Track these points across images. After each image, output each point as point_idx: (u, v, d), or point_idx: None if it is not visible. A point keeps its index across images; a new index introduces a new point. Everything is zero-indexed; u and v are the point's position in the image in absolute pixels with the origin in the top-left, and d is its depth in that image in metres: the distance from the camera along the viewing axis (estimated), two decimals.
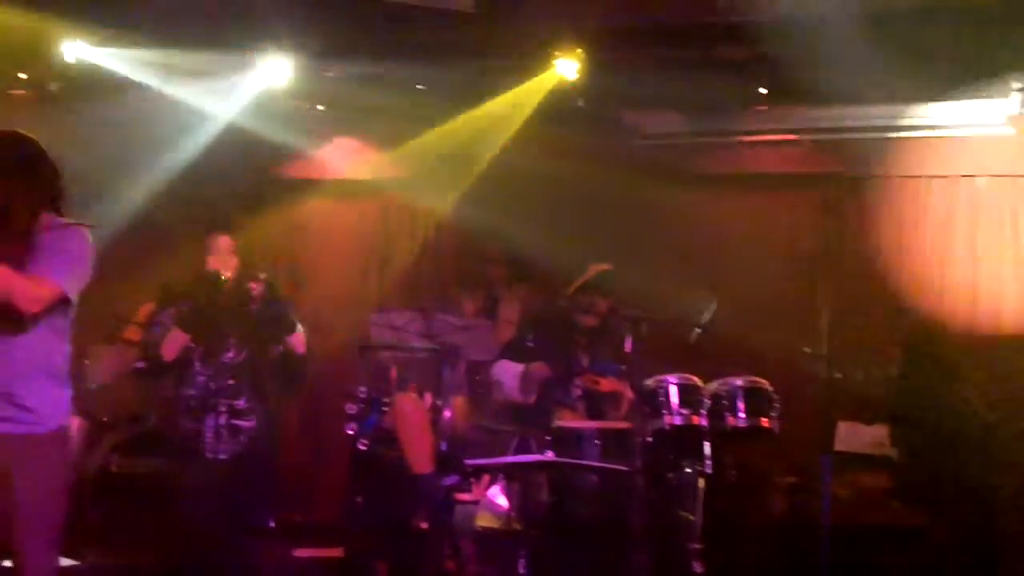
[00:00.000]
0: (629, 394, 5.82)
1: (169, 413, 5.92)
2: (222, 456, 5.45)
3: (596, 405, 5.87)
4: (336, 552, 6.61)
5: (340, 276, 8.03)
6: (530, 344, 5.96)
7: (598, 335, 6.10)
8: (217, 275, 5.35)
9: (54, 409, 4.19)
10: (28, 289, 3.90)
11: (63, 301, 3.99)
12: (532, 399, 5.91)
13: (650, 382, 5.46)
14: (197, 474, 5.48)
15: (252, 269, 5.57)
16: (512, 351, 6.12)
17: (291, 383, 5.78)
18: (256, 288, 5.48)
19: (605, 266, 6.12)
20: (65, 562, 4.60)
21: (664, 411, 5.38)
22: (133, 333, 7.15)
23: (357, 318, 7.17)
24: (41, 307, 3.94)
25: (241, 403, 5.48)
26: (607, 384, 5.87)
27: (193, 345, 5.41)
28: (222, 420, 5.43)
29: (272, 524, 6.74)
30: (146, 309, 7.09)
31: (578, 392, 5.96)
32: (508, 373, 5.97)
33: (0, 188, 3.91)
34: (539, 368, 5.89)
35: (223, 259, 5.50)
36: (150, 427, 6.71)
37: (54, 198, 4.07)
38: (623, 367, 5.87)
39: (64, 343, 4.21)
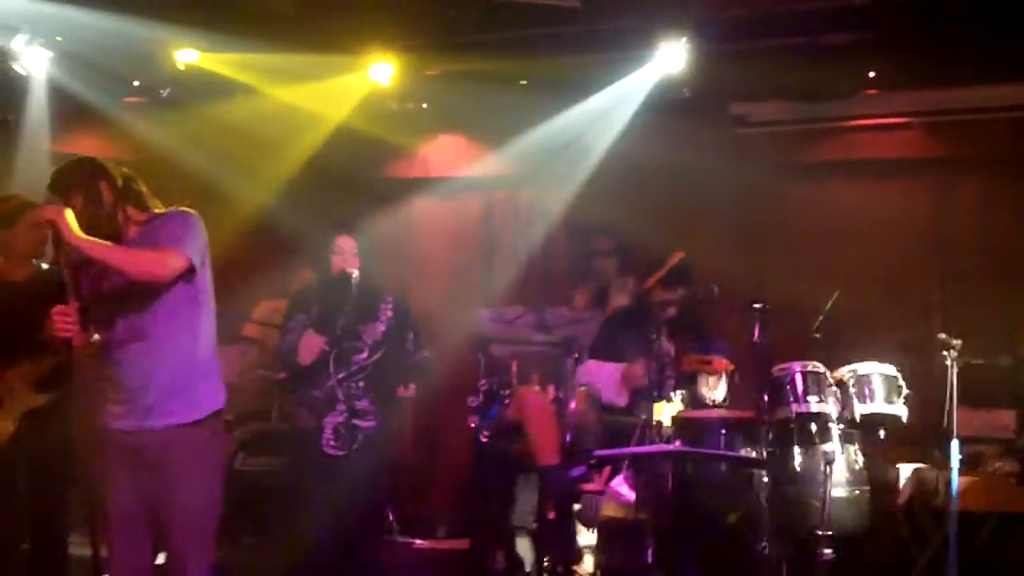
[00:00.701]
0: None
1: (291, 412, 6.03)
2: (340, 454, 5.51)
3: (693, 393, 5.86)
4: (456, 544, 6.70)
5: (448, 273, 8.09)
6: (614, 341, 5.98)
7: (681, 323, 6.12)
8: (348, 276, 5.40)
9: (204, 400, 4.34)
10: (150, 258, 4.12)
11: (189, 270, 4.17)
12: (625, 401, 5.95)
13: (775, 370, 5.42)
14: (317, 472, 5.55)
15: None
16: (597, 349, 6.15)
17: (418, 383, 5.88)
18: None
19: (680, 254, 6.13)
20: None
21: (790, 399, 5.34)
22: (251, 331, 7.30)
23: (465, 314, 7.22)
24: (168, 270, 4.14)
25: (363, 404, 5.52)
26: (719, 364, 5.83)
27: (328, 348, 5.44)
28: (341, 419, 5.49)
29: (392, 518, 6.87)
30: (263, 307, 7.24)
31: (672, 383, 5.95)
32: (598, 374, 6.00)
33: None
34: (636, 370, 5.92)
35: (347, 260, 5.55)
36: (272, 425, 6.85)
37: (136, 198, 4.27)
38: (723, 345, 5.88)
39: (206, 336, 4.35)
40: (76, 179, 4.17)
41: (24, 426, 5.72)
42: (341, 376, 5.48)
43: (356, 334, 5.50)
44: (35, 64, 6.61)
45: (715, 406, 5.68)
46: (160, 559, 4.39)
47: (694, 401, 5.82)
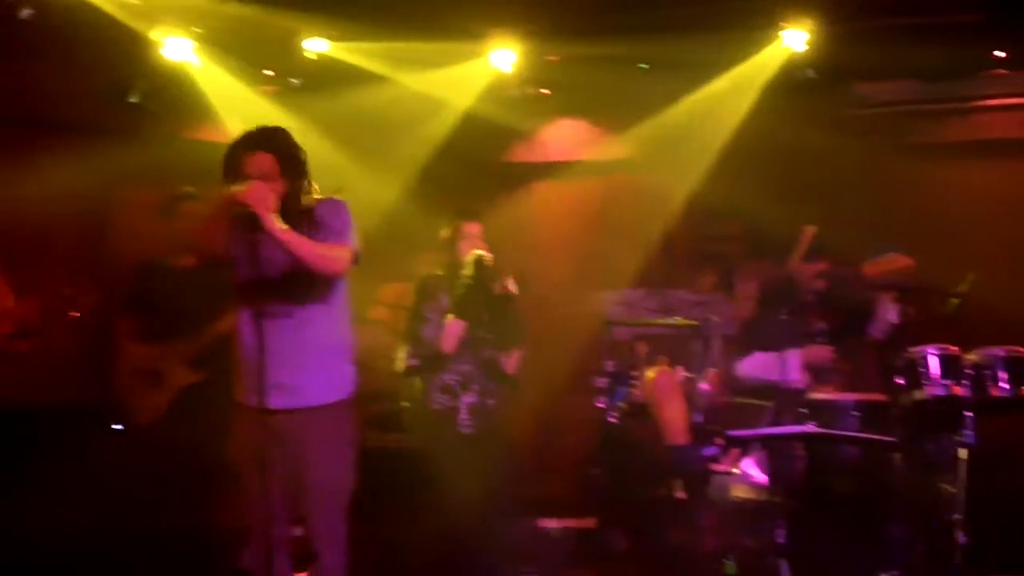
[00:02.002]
0: None
1: (419, 393, 6.16)
2: (474, 432, 5.62)
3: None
4: (581, 524, 6.78)
5: (570, 256, 8.16)
6: (769, 327, 5.99)
7: (829, 298, 6.11)
8: (484, 260, 5.49)
9: (340, 382, 4.49)
10: (325, 252, 4.25)
11: (356, 260, 4.35)
12: (806, 382, 5.96)
13: (910, 352, 5.40)
14: (452, 451, 5.67)
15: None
16: (754, 339, 6.15)
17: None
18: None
19: (812, 228, 6.11)
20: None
21: (924, 382, 5.31)
22: (380, 313, 7.46)
23: (588, 297, 7.28)
24: (340, 266, 4.31)
25: (493, 384, 5.63)
26: None
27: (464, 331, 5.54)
28: (475, 400, 5.60)
29: (515, 496, 6.97)
30: (391, 290, 7.39)
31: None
32: (766, 365, 6.02)
33: (281, 177, 4.26)
34: (820, 352, 5.92)
35: (474, 245, 5.65)
36: (399, 405, 6.98)
37: (308, 179, 4.41)
38: None
39: (346, 321, 4.49)
40: (286, 153, 4.30)
41: (180, 402, 6.01)
42: (472, 357, 5.59)
43: (484, 316, 5.60)
44: (174, 52, 6.80)
45: None
46: (297, 532, 4.58)
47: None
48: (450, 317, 5.51)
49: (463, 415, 5.60)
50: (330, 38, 7.15)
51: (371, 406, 6.99)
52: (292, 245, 4.17)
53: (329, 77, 7.40)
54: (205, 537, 6.12)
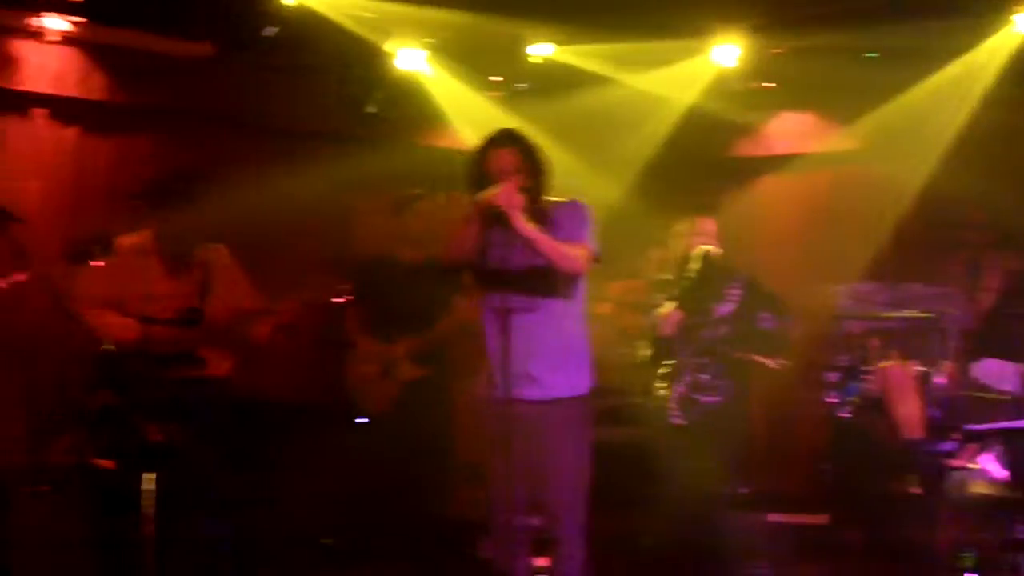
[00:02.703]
0: None
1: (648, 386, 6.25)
2: (684, 423, 5.67)
3: None
4: (813, 519, 6.73)
5: (798, 250, 8.08)
6: (1007, 324, 5.82)
7: None
8: (712, 255, 5.56)
9: (579, 378, 4.64)
10: (568, 252, 4.43)
11: (596, 260, 4.53)
12: None
13: None
14: (665, 441, 5.74)
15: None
16: (991, 344, 5.97)
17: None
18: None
19: None
20: None
21: None
22: (605, 308, 7.58)
23: (818, 291, 7.21)
24: (580, 265, 4.48)
25: (705, 378, 5.67)
26: None
27: (683, 322, 5.62)
28: (683, 391, 5.66)
29: (744, 491, 6.97)
30: (618, 287, 7.50)
31: None
32: (1001, 375, 5.85)
33: (523, 173, 4.46)
34: None
35: (707, 241, 5.71)
36: (628, 399, 7.09)
37: (548, 177, 4.61)
38: None
39: (583, 320, 4.64)
40: (529, 152, 4.53)
41: (406, 395, 6.30)
42: (689, 350, 5.65)
43: (706, 311, 5.65)
44: (408, 63, 7.09)
45: None
46: (535, 523, 4.73)
47: None
48: (670, 305, 5.60)
49: (672, 406, 5.67)
50: (555, 42, 7.31)
51: (600, 400, 7.13)
52: (538, 243, 4.38)
53: (554, 80, 7.56)
54: (441, 526, 6.39)
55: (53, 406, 6.17)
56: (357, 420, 6.38)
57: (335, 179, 7.17)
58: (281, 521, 6.30)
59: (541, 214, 4.49)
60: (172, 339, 5.38)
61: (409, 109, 7.31)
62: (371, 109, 7.15)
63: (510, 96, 7.81)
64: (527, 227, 4.35)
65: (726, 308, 5.69)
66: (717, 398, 5.69)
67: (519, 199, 4.34)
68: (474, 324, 6.19)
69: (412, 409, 6.33)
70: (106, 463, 5.50)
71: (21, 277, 4.63)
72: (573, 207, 4.59)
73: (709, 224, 5.78)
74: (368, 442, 6.35)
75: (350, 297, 5.59)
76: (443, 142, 7.58)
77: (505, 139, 4.57)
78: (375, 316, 6.44)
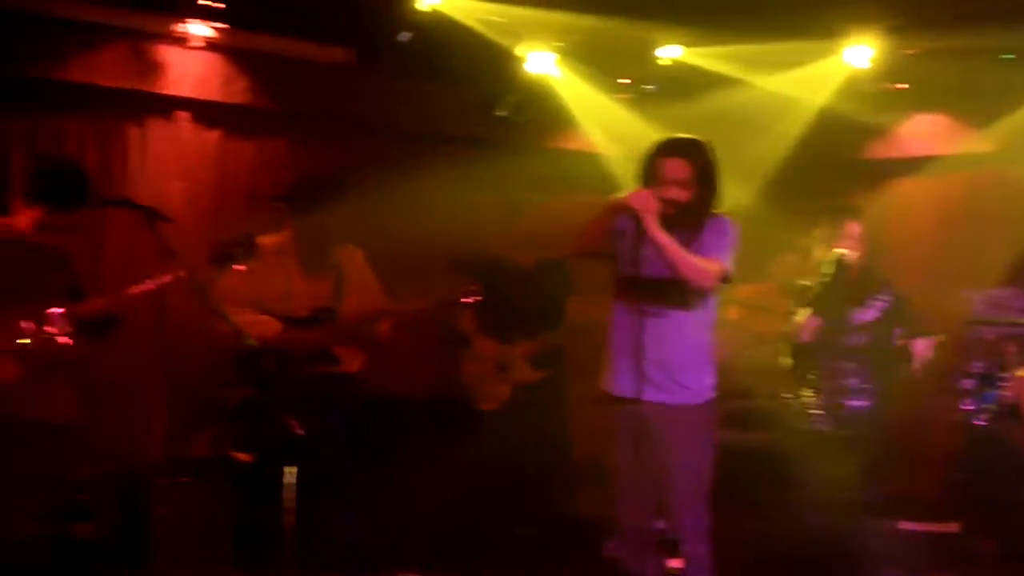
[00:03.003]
0: None
1: (779, 390, 6.22)
2: (828, 430, 5.62)
3: None
4: (944, 527, 6.61)
5: (931, 254, 7.95)
6: None
7: None
8: (846, 259, 5.50)
9: (705, 385, 4.64)
10: (696, 263, 4.41)
11: (724, 279, 4.49)
12: None
13: None
14: (807, 447, 5.70)
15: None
16: None
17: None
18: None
19: None
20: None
21: None
22: (733, 313, 7.56)
23: (952, 296, 7.08)
24: (707, 281, 4.45)
25: (853, 382, 5.61)
26: None
27: (822, 328, 5.56)
28: (836, 396, 5.61)
29: (877, 498, 6.88)
30: (744, 290, 7.46)
31: None
32: None
33: (693, 185, 4.48)
34: None
35: (852, 245, 5.64)
36: (757, 402, 7.06)
37: (717, 193, 4.60)
38: None
39: (712, 325, 4.66)
40: (701, 164, 4.53)
41: (519, 396, 6.39)
42: (832, 355, 5.60)
43: (844, 316, 5.59)
44: (537, 66, 7.17)
45: None
46: (661, 525, 4.76)
47: None
48: (807, 311, 5.54)
49: (818, 411, 5.62)
50: (684, 44, 7.31)
51: (728, 404, 7.12)
52: (667, 250, 4.38)
53: (683, 82, 7.57)
54: (561, 525, 6.45)
55: (194, 401, 6.40)
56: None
57: (465, 182, 7.29)
58: (407, 516, 6.43)
59: (694, 226, 4.51)
60: (307, 337, 5.55)
61: (538, 112, 7.37)
62: (501, 113, 7.25)
63: (639, 98, 7.82)
64: (660, 234, 4.36)
65: (868, 315, 5.62)
66: (865, 403, 5.63)
67: (655, 204, 4.34)
68: (589, 327, 6.35)
69: (529, 409, 6.42)
70: (244, 456, 5.69)
71: (170, 277, 4.80)
72: (719, 222, 4.57)
73: (854, 228, 5.71)
74: (486, 440, 6.46)
75: (479, 297, 5.68)
76: (571, 145, 7.64)
77: (679, 148, 4.55)
78: (491, 317, 6.54)
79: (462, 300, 5.73)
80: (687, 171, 4.46)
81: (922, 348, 5.66)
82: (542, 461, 6.38)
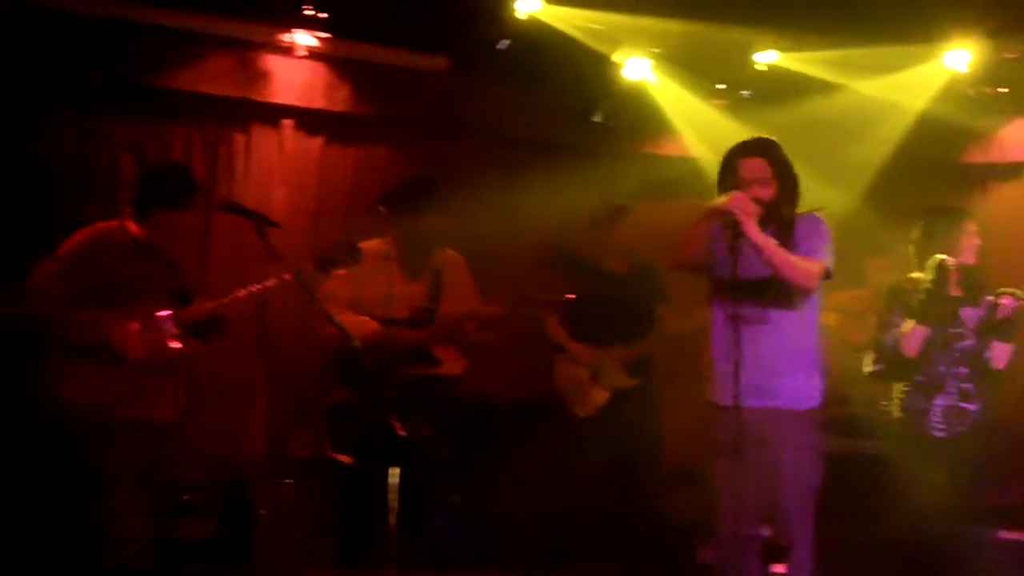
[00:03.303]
0: None
1: (877, 397, 6.13)
2: (946, 435, 5.54)
3: None
4: None
5: None
6: None
7: None
8: (946, 264, 5.41)
9: (811, 391, 4.64)
10: (800, 265, 4.42)
11: (825, 276, 4.51)
12: None
13: None
14: (922, 454, 5.61)
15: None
16: None
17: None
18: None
19: None
20: None
21: None
22: (830, 319, 7.47)
23: None
24: (810, 281, 4.47)
25: (969, 387, 5.53)
26: None
27: (931, 336, 5.46)
28: (950, 401, 5.52)
29: (979, 506, 6.77)
30: (842, 296, 7.39)
31: None
32: None
33: (772, 182, 4.51)
34: None
35: (970, 246, 5.55)
36: (853, 409, 6.99)
37: (796, 191, 4.65)
38: None
39: (816, 330, 4.64)
40: (780, 162, 4.59)
41: (614, 403, 6.41)
42: (946, 360, 5.50)
43: (958, 319, 5.50)
44: (634, 72, 7.18)
45: None
46: (765, 532, 4.74)
47: None
48: (911, 323, 5.46)
49: (936, 417, 5.54)
50: (780, 49, 7.28)
51: (829, 410, 7.05)
52: (769, 253, 4.38)
53: (779, 86, 7.53)
54: (657, 530, 6.44)
55: (294, 402, 6.52)
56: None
57: (560, 188, 7.32)
58: (505, 518, 6.49)
59: (784, 226, 4.52)
60: (407, 338, 5.63)
61: (634, 118, 7.38)
62: (598, 119, 7.27)
63: (735, 104, 7.80)
64: (760, 236, 4.37)
65: (980, 315, 5.53)
66: (976, 406, 5.54)
67: (753, 207, 4.36)
68: (679, 336, 6.35)
69: (623, 415, 6.44)
70: (344, 457, 5.78)
71: (274, 280, 4.90)
72: (813, 221, 4.59)
73: (972, 227, 5.61)
74: (580, 445, 6.48)
75: (571, 296, 5.72)
76: (667, 151, 7.64)
77: (756, 147, 4.61)
78: (585, 322, 6.57)
79: (557, 302, 5.77)
80: (766, 169, 4.52)
81: (1000, 353, 5.56)
82: (636, 467, 6.38)
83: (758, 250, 4.38)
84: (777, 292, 4.52)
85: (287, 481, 6.03)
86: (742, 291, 4.47)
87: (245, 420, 6.61)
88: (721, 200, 4.43)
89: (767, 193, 4.49)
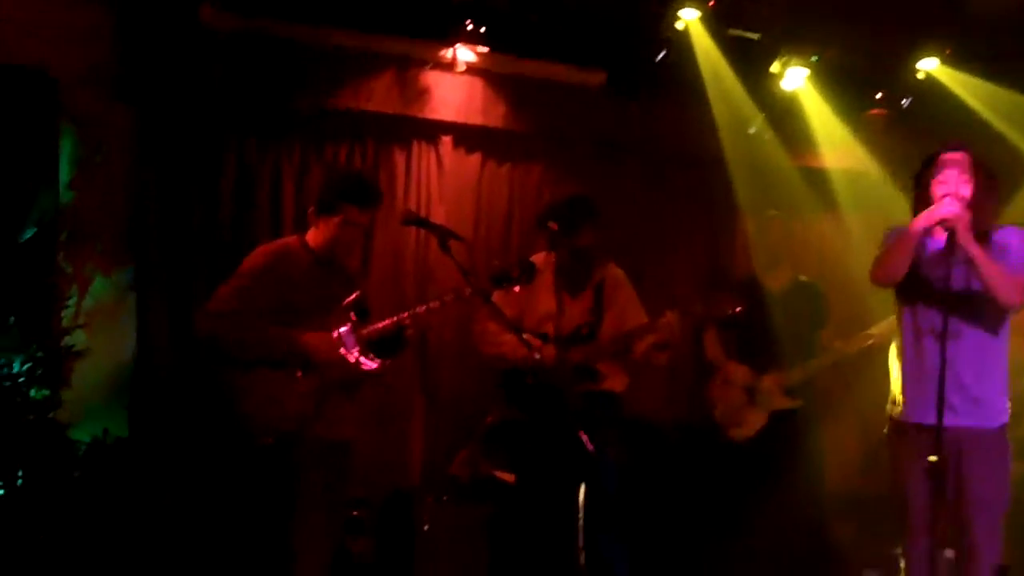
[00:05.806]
0: None
1: None
2: None
3: None
4: None
5: None
6: None
7: None
8: None
9: (1000, 409, 4.48)
10: (1011, 279, 4.26)
11: None
12: None
13: None
14: None
15: None
16: None
17: None
18: None
19: None
20: None
21: None
22: None
23: None
24: (1018, 296, 4.27)
25: None
26: None
27: None
28: None
29: None
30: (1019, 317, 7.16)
31: None
32: None
33: (972, 180, 4.35)
34: None
35: None
36: None
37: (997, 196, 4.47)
38: None
39: (1006, 349, 4.48)
40: (981, 169, 4.41)
41: (773, 425, 6.27)
42: None
43: None
44: (791, 83, 7.06)
45: None
46: (948, 553, 4.58)
47: None
48: None
49: None
50: (940, 59, 7.09)
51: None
52: (982, 265, 4.23)
53: (935, 98, 7.33)
54: (814, 559, 6.29)
55: (455, 420, 6.51)
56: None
57: (717, 202, 7.26)
58: (667, 542, 6.39)
59: (984, 237, 4.35)
60: (570, 355, 5.57)
61: (789, 129, 7.25)
62: (752, 130, 7.16)
63: (893, 114, 7.61)
64: (976, 247, 4.22)
65: None
66: None
67: (967, 215, 4.22)
68: (841, 359, 6.18)
69: (778, 439, 6.31)
70: (507, 475, 5.75)
71: (452, 296, 4.88)
72: (1015, 233, 4.42)
73: None
74: (738, 468, 6.37)
75: (740, 308, 5.59)
76: (819, 163, 7.48)
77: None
78: (742, 341, 6.45)
79: (724, 316, 5.66)
80: (966, 176, 4.34)
81: None
82: (798, 492, 6.23)
83: (970, 262, 4.24)
84: (977, 307, 4.37)
85: (448, 500, 6.00)
86: (940, 303, 4.33)
87: (404, 438, 6.64)
88: (938, 207, 4.28)
89: (967, 191, 4.33)
